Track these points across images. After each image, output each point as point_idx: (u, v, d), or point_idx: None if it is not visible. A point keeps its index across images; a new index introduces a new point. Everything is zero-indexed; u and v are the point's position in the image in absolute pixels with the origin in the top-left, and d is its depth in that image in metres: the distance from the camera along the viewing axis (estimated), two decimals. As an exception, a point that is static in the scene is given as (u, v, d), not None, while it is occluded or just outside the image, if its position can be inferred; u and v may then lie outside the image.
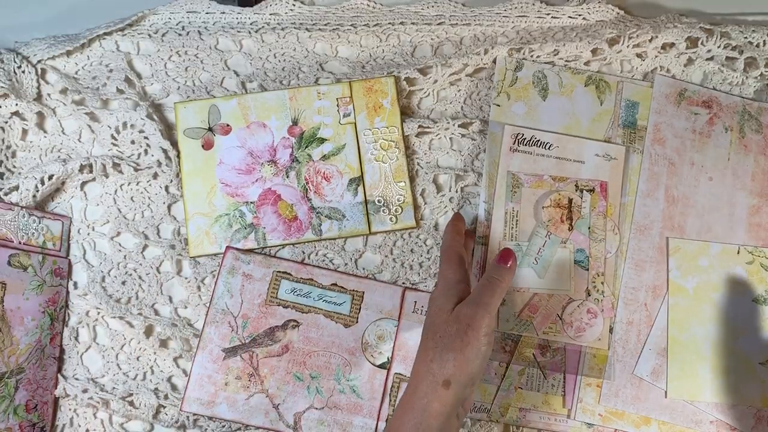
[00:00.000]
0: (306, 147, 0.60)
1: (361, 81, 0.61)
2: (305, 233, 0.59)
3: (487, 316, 0.47)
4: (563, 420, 0.58)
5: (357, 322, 0.58)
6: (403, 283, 0.59)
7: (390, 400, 0.57)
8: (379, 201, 0.59)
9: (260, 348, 0.57)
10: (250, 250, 0.59)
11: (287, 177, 0.59)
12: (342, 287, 0.58)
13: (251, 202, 0.59)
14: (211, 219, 0.59)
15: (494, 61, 0.62)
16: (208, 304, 0.58)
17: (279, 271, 0.58)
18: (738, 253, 0.60)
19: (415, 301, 0.58)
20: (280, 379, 0.57)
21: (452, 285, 0.50)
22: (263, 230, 0.59)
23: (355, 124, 0.60)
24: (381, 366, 0.57)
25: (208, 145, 0.60)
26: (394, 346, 0.57)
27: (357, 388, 0.57)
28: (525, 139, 0.60)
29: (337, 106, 0.60)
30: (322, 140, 0.60)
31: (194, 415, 0.56)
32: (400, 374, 0.57)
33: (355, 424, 0.56)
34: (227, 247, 0.58)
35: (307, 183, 0.59)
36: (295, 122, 0.60)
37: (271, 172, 0.59)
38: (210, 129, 0.60)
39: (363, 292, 0.58)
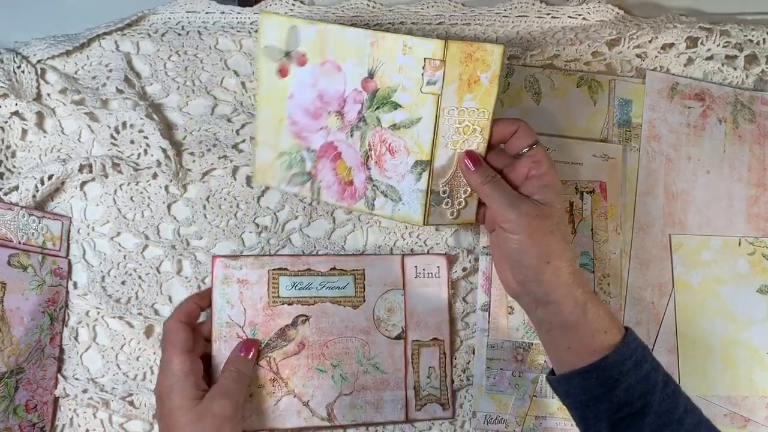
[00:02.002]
0: (377, 108, 0.51)
1: (460, 43, 0.48)
2: (358, 202, 0.54)
3: (238, 409, 0.50)
4: None
5: (364, 300, 0.57)
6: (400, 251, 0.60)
7: (413, 368, 0.57)
8: (444, 192, 0.52)
9: (276, 351, 0.56)
10: (237, 256, 0.57)
11: (351, 136, 0.53)
12: (342, 269, 0.58)
13: (313, 150, 0.54)
14: (275, 152, 0.55)
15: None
16: (211, 321, 0.56)
17: (274, 269, 0.57)
18: (739, 245, 0.60)
19: (416, 266, 0.59)
20: (303, 376, 0.56)
21: (180, 378, 0.49)
22: (319, 184, 0.55)
23: (439, 96, 0.49)
24: (397, 337, 0.58)
25: (283, 73, 0.53)
26: (405, 315, 0.58)
27: (379, 364, 0.57)
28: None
29: (423, 68, 0.49)
30: (396, 105, 0.50)
31: None
32: (417, 341, 0.58)
33: (386, 399, 0.57)
34: (214, 257, 0.56)
35: (370, 150, 0.52)
36: (371, 74, 0.50)
37: (336, 125, 0.53)
38: (287, 54, 0.52)
39: (363, 270, 0.58)
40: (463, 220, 0.54)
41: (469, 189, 0.53)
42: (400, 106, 0.50)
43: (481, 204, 0.53)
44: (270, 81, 0.53)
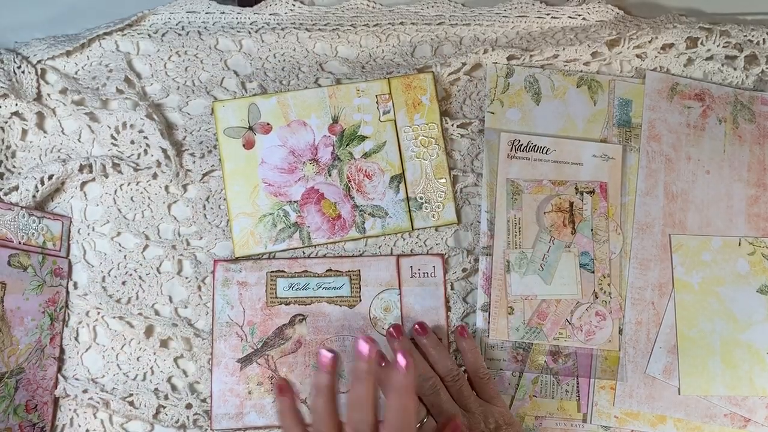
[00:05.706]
0: (347, 145, 0.60)
1: (400, 77, 0.61)
2: (349, 231, 0.59)
3: None
4: (579, 425, 0.57)
5: (360, 300, 0.58)
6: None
7: None
8: (420, 198, 0.60)
9: (273, 349, 0.57)
10: (237, 259, 0.58)
11: (329, 175, 0.60)
12: (337, 271, 0.59)
13: (295, 201, 0.59)
14: (255, 219, 0.59)
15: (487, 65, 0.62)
16: (211, 320, 0.58)
17: (272, 271, 0.58)
18: (739, 245, 0.60)
19: (411, 266, 0.59)
20: (300, 374, 0.57)
21: None
22: (308, 229, 0.59)
23: (394, 121, 0.60)
24: None
25: (249, 145, 0.59)
26: (401, 314, 0.58)
27: None
28: (522, 144, 0.61)
29: (377, 103, 0.60)
30: (363, 138, 0.60)
31: (224, 431, 0.56)
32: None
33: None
34: (215, 261, 0.58)
35: (350, 181, 0.60)
36: (335, 120, 0.60)
37: (313, 171, 0.59)
38: (250, 128, 0.60)
39: (359, 270, 0.59)
40: (445, 221, 0.60)
41: (443, 193, 0.60)
42: (367, 137, 0.60)
43: None
44: (237, 156, 0.59)
